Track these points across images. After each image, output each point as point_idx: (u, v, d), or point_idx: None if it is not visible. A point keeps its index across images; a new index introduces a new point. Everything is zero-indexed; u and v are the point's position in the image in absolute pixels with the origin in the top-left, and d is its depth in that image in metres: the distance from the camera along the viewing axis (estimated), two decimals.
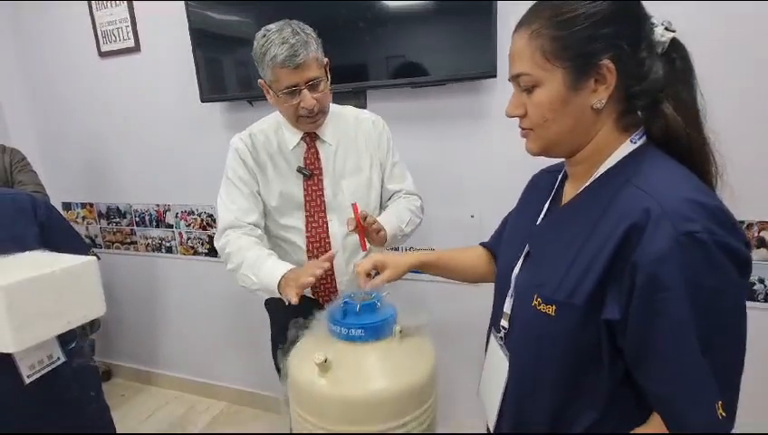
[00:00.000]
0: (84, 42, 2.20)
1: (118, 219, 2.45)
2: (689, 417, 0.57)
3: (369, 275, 0.92)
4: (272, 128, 1.25)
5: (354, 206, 1.09)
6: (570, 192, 0.74)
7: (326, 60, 1.16)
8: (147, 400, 2.52)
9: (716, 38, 1.29)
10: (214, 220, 2.22)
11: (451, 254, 1.01)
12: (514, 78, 0.67)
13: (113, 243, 2.50)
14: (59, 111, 2.41)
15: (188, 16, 1.86)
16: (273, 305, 1.37)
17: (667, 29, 0.63)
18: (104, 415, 1.33)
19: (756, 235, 1.35)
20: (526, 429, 0.74)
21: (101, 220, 2.50)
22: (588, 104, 0.63)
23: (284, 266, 1.07)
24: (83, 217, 2.54)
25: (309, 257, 1.24)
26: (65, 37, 2.26)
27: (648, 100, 0.64)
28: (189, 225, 2.28)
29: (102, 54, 2.20)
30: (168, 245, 2.37)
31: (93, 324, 1.34)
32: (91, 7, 2.14)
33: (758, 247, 1.35)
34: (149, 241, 2.40)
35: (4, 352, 0.91)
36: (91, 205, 2.50)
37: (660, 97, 0.63)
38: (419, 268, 0.98)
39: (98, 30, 2.16)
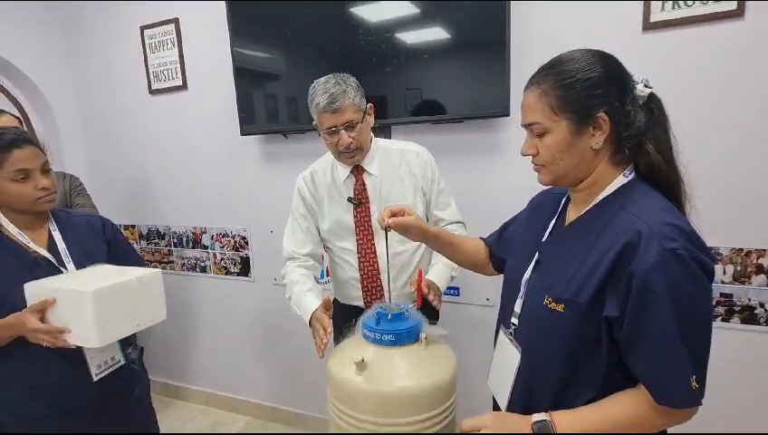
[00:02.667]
0: (137, 81, 2.46)
1: (157, 240, 2.64)
2: (671, 388, 0.72)
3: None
4: (329, 165, 1.45)
5: (419, 271, 1.33)
6: (573, 213, 0.89)
7: (369, 105, 1.36)
8: (175, 413, 2.63)
9: (685, 89, 1.47)
10: (246, 242, 2.38)
11: (456, 236, 1.15)
12: (528, 125, 0.84)
13: (152, 262, 2.68)
14: (109, 142, 2.66)
15: (233, 57, 2.09)
16: (336, 313, 1.52)
17: (645, 86, 0.80)
18: (151, 415, 1.46)
19: (755, 261, 1.43)
20: (534, 409, 0.85)
21: (142, 241, 2.70)
22: (588, 146, 0.79)
23: (313, 305, 1.28)
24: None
25: (360, 275, 1.43)
26: (120, 77, 2.53)
27: (634, 142, 0.80)
28: (224, 246, 2.45)
29: (153, 92, 2.45)
30: (202, 265, 2.54)
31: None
32: (145, 51, 2.40)
33: (757, 274, 1.43)
34: (185, 261, 2.58)
35: (90, 347, 1.06)
36: (134, 226, 2.70)
37: (644, 140, 0.80)
38: (430, 238, 1.10)
39: (150, 71, 2.42)
